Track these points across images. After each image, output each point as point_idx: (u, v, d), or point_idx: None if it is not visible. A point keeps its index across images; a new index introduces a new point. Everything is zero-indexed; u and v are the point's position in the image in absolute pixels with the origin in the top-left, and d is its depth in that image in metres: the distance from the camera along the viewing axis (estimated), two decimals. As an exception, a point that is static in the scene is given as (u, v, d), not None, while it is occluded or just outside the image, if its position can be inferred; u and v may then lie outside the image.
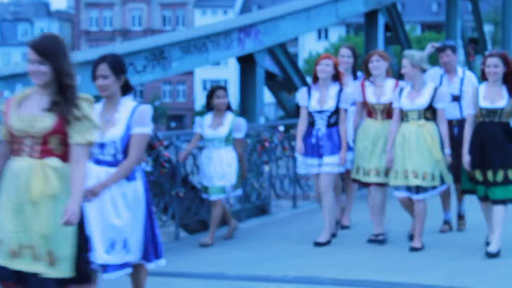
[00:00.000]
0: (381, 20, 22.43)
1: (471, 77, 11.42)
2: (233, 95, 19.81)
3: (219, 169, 10.98)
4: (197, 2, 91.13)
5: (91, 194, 6.42)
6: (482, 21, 28.65)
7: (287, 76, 18.79)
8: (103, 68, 7.06)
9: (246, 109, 16.36)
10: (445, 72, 11.43)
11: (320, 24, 21.70)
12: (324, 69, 10.64)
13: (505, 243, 9.88)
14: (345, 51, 12.15)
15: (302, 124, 10.87)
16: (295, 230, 12.20)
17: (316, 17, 19.85)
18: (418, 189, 10.14)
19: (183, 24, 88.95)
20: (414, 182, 10.09)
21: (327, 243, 10.72)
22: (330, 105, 10.66)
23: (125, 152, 6.88)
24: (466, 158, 9.88)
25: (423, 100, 10.16)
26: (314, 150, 10.70)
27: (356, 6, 21.32)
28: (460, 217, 11.66)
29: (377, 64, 10.76)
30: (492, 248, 9.77)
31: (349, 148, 10.82)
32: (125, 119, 6.89)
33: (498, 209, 9.76)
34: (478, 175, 9.83)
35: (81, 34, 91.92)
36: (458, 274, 9.20)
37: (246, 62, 17.20)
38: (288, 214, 14.33)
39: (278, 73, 18.68)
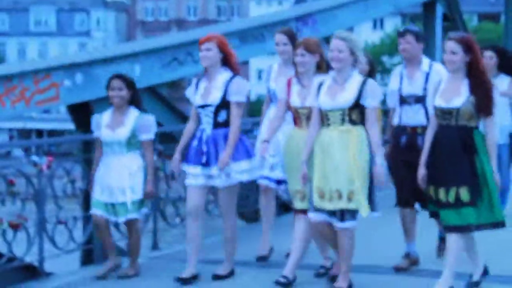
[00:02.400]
0: (439, 10, 22.34)
1: (440, 72, 8.37)
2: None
3: (123, 181, 8.47)
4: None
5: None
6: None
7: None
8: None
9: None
10: (405, 65, 8.69)
11: (377, 13, 21.72)
12: (205, 55, 8.11)
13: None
14: (279, 38, 9.14)
15: (189, 125, 8.40)
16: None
17: (374, 7, 19.87)
18: (344, 215, 7.57)
19: (238, 14, 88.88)
20: (338, 205, 7.51)
21: (228, 275, 8.46)
22: (214, 97, 8.09)
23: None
24: (420, 172, 7.67)
25: (347, 96, 7.54)
26: (196, 156, 8.17)
27: (414, -4, 21.30)
28: (442, 239, 8.86)
29: (302, 60, 8.10)
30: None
31: (249, 155, 8.24)
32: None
33: (450, 239, 7.48)
34: (432, 192, 7.60)
35: (137, 24, 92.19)
36: None
37: None
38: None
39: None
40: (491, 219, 7.40)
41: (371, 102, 7.55)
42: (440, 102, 7.43)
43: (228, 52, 8.19)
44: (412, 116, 8.46)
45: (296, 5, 56.05)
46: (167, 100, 16.12)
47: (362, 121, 7.58)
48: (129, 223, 8.58)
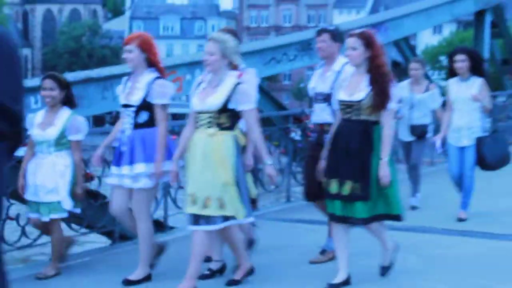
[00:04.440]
0: (488, 18, 22.12)
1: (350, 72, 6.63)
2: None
3: (48, 181, 6.77)
4: (336, 3, 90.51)
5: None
6: None
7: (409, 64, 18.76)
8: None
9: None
10: (322, 64, 7.09)
11: (437, 21, 21.64)
12: (127, 57, 6.48)
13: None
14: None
15: (118, 124, 6.73)
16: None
17: (435, 16, 19.74)
18: (198, 219, 5.97)
19: (324, 21, 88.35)
20: (190, 209, 6.00)
21: (142, 281, 6.50)
22: (135, 98, 6.44)
23: None
24: (320, 164, 6.44)
25: (215, 100, 6.01)
26: (115, 157, 6.59)
27: (468, 6, 21.13)
28: (322, 251, 7.19)
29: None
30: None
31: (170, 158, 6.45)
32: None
33: (335, 228, 6.31)
34: (325, 183, 6.27)
35: (243, 29, 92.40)
36: None
37: None
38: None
39: (402, 62, 18.59)
40: (387, 211, 6.14)
41: (245, 106, 6.02)
42: (343, 96, 6.20)
43: (152, 52, 6.48)
44: (320, 114, 6.94)
45: (371, 14, 55.78)
46: (266, 91, 16.24)
47: (233, 125, 6.08)
48: (51, 223, 6.80)
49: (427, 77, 10.41)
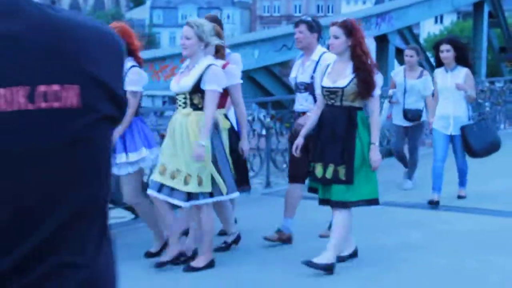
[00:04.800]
0: (486, 9, 22.09)
1: (328, 59, 6.33)
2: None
3: None
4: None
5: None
6: None
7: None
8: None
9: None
10: (302, 54, 6.87)
11: (439, 11, 21.62)
12: None
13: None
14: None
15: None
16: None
17: (436, 6, 19.67)
18: (190, 194, 5.85)
19: (332, 11, 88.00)
20: (157, 178, 5.93)
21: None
22: None
23: None
24: (297, 141, 6.23)
25: (188, 81, 5.89)
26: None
27: (467, -2, 21.07)
28: (330, 226, 6.58)
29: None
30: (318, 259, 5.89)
31: (149, 144, 6.36)
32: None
33: (336, 215, 5.97)
34: (312, 168, 6.06)
35: (256, 18, 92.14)
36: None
37: (381, 41, 17.32)
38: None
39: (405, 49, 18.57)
40: (366, 196, 5.90)
41: (208, 86, 5.78)
42: (327, 83, 5.93)
43: (130, 42, 6.20)
44: (302, 102, 6.70)
45: (376, 5, 55.63)
46: (278, 76, 16.20)
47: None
48: None
49: (421, 64, 10.17)
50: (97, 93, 1.46)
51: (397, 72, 9.82)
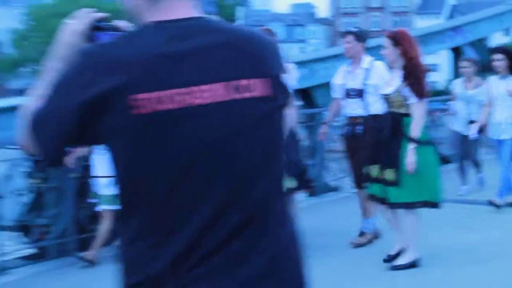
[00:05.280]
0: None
1: (379, 68, 6.53)
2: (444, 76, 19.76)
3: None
4: (417, 10, 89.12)
5: None
6: None
7: (485, 62, 18.65)
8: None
9: (455, 85, 16.45)
10: (349, 63, 6.74)
11: (507, 25, 21.25)
12: None
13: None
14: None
15: None
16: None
17: (506, 20, 19.44)
18: None
19: (408, 26, 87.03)
20: None
21: None
22: None
23: None
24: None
25: None
26: None
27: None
28: (361, 233, 6.78)
29: None
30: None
31: None
32: None
33: (403, 217, 5.94)
34: (368, 171, 5.99)
35: (337, 34, 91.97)
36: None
37: (456, 52, 17.32)
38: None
39: (477, 59, 18.33)
40: (426, 198, 5.73)
41: None
42: (383, 90, 5.96)
43: None
44: (353, 108, 6.61)
45: (450, 19, 54.97)
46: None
47: None
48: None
49: (478, 74, 9.78)
50: (277, 86, 1.71)
51: (456, 83, 9.56)
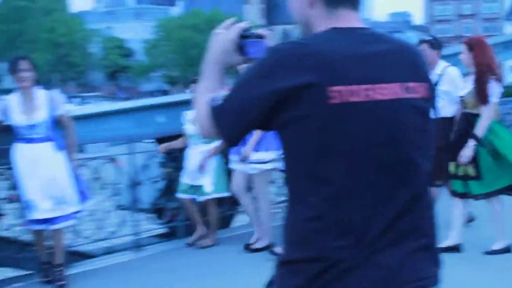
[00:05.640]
0: None
1: (452, 73, 6.35)
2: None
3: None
4: (507, 16, 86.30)
5: None
6: None
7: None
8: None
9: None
10: None
11: None
12: None
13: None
14: None
15: None
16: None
17: None
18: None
19: (498, 31, 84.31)
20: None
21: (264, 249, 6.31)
22: None
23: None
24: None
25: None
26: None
27: None
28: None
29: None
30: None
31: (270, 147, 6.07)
32: None
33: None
34: (452, 167, 5.91)
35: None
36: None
37: None
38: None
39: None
40: (503, 184, 5.75)
41: None
42: (460, 92, 5.93)
43: None
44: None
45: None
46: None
47: None
48: (209, 202, 6.55)
49: None
50: (431, 90, 1.94)
51: None
